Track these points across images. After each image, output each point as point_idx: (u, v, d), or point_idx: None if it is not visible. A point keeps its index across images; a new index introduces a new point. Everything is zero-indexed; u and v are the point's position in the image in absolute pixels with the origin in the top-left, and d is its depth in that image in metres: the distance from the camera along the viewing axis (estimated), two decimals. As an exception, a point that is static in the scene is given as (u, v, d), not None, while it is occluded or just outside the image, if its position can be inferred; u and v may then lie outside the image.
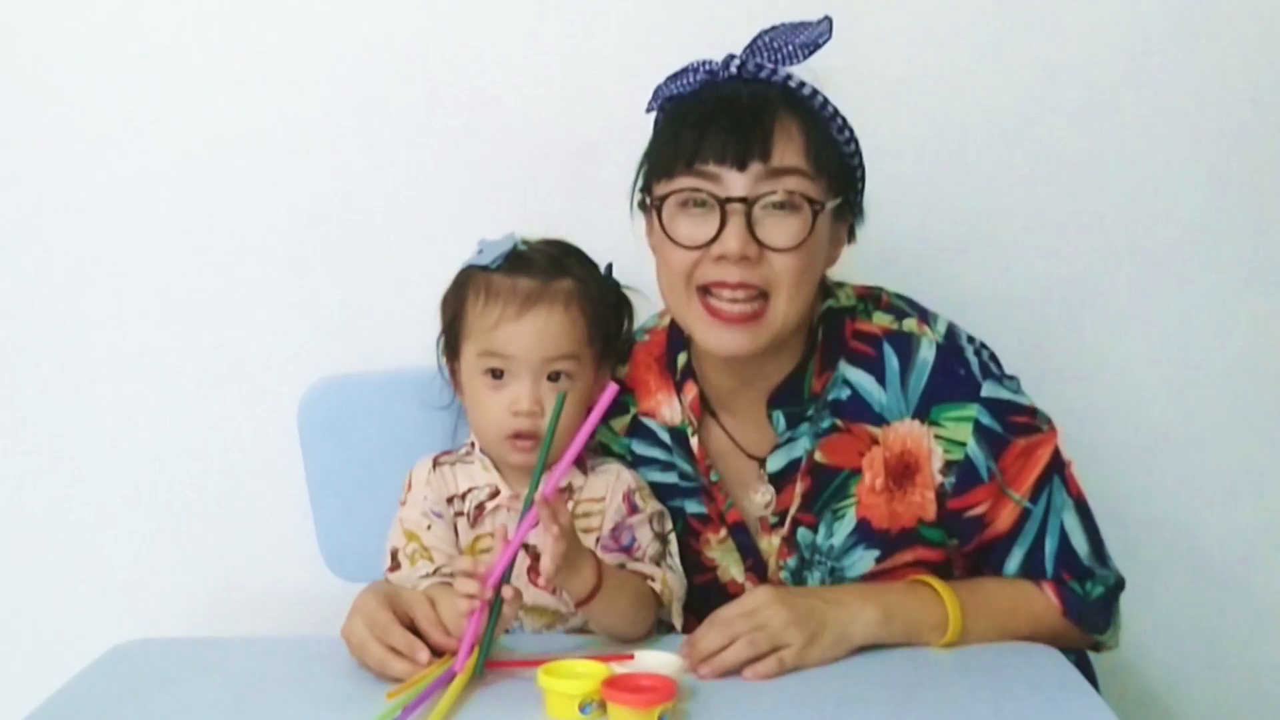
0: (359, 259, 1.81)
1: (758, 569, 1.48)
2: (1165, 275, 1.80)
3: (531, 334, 1.39)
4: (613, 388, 1.26)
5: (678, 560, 1.44)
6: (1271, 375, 1.82)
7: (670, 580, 1.41)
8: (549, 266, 1.42)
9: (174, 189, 1.80)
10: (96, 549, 1.87)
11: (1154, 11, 1.75)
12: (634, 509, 1.44)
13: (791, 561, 1.46)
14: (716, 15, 1.46)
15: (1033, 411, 1.42)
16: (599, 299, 1.44)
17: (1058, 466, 1.42)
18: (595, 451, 1.50)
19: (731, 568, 1.49)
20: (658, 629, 1.40)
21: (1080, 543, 1.42)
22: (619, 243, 1.52)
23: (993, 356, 1.44)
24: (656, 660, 1.24)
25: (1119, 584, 1.45)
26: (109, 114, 1.79)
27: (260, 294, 1.81)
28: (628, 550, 1.42)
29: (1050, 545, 1.41)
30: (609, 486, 1.44)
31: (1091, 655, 1.52)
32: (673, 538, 1.45)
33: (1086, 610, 1.41)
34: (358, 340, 1.77)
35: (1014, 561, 1.42)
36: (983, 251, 1.78)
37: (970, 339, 1.44)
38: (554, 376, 1.40)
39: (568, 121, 1.77)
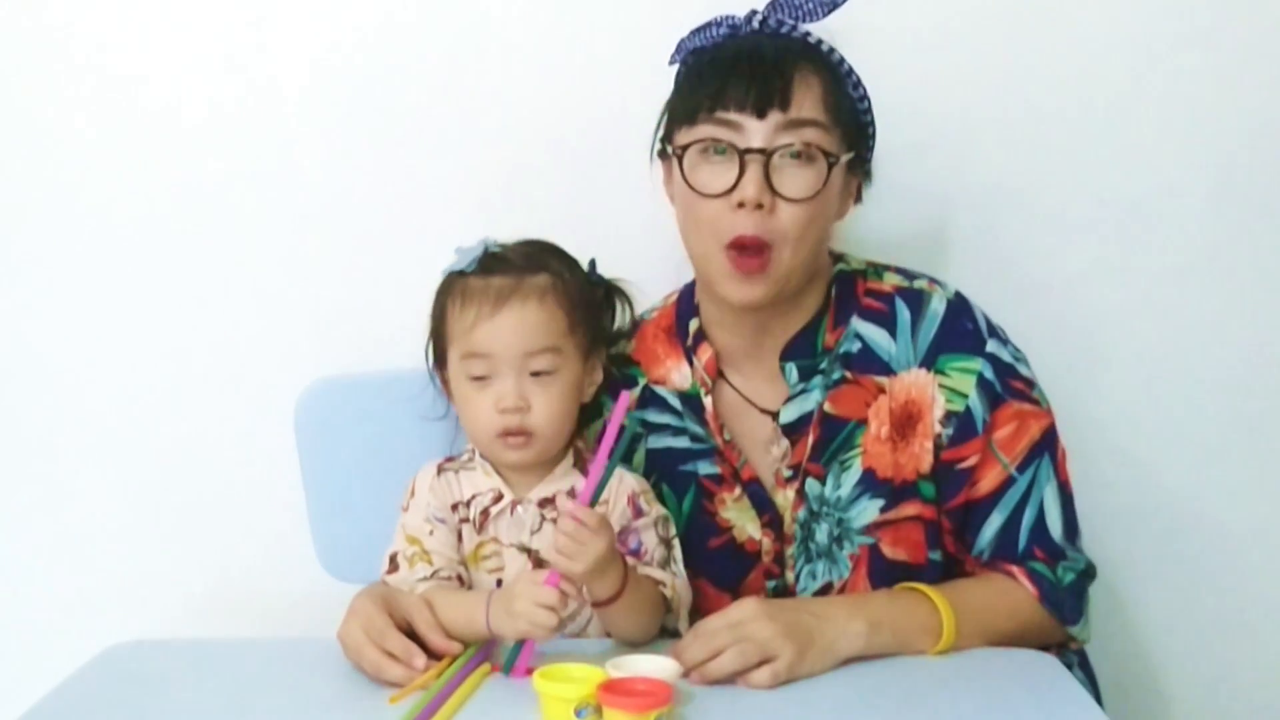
0: (357, 259, 1.80)
1: (774, 524, 1.49)
2: (1167, 277, 1.79)
3: (508, 330, 1.39)
4: (625, 396, 1.30)
5: (682, 566, 1.44)
6: (1273, 377, 1.82)
7: (678, 586, 1.41)
8: (523, 263, 1.43)
9: (171, 188, 1.80)
10: (91, 549, 1.86)
11: (1161, 14, 1.74)
12: (639, 512, 1.43)
13: (801, 514, 1.48)
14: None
15: (1031, 384, 1.47)
16: (578, 292, 1.44)
17: (1049, 446, 1.46)
18: (597, 438, 1.50)
19: (748, 525, 1.50)
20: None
21: (1055, 521, 1.45)
22: (620, 242, 1.53)
23: (1000, 328, 1.48)
24: (653, 665, 1.24)
25: (1090, 570, 1.47)
26: (107, 113, 1.79)
27: (257, 294, 1.81)
28: (635, 554, 1.41)
29: (1028, 518, 1.44)
30: (611, 490, 1.43)
31: (1092, 653, 1.53)
32: (676, 543, 1.46)
33: (1060, 596, 1.42)
34: (355, 341, 1.76)
35: (991, 529, 1.45)
36: (984, 251, 1.78)
37: (977, 306, 1.49)
38: (537, 372, 1.40)
39: (567, 122, 1.76)
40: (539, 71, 1.76)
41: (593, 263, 1.50)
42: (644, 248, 1.58)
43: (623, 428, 1.29)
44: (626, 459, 1.51)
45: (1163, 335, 1.81)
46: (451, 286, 1.44)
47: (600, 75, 1.75)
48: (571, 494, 1.43)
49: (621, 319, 1.53)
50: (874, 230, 1.56)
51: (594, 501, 1.30)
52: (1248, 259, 1.79)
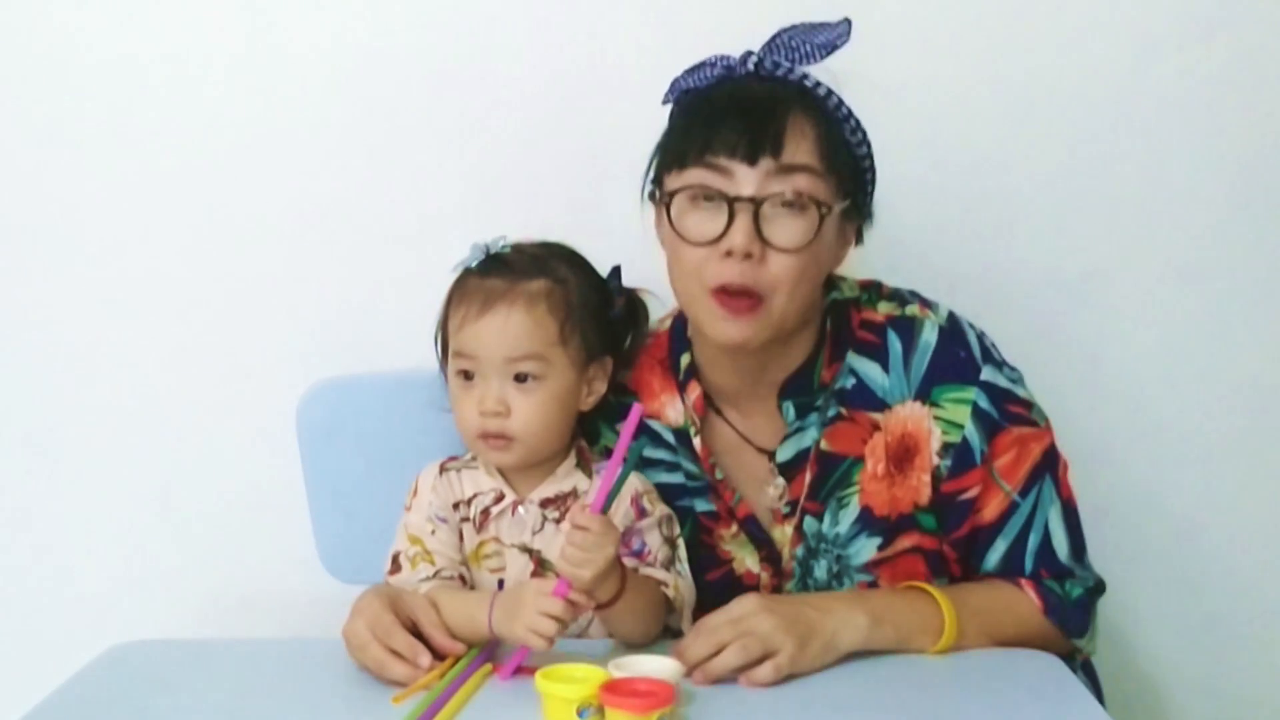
0: (359, 260, 1.80)
1: (772, 559, 1.49)
2: (1171, 277, 1.80)
3: (492, 333, 1.39)
4: (637, 408, 1.28)
5: (686, 566, 1.44)
6: (1275, 384, 1.82)
7: (681, 586, 1.40)
8: (527, 267, 1.42)
9: (173, 188, 1.80)
10: (94, 550, 1.86)
11: (1166, 11, 1.74)
12: (642, 513, 1.43)
13: (799, 551, 1.47)
14: (721, 20, 1.46)
15: (1029, 405, 1.45)
16: (580, 301, 1.43)
17: (1050, 465, 1.44)
18: (601, 454, 1.50)
19: (747, 559, 1.49)
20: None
21: (1061, 543, 1.44)
22: (622, 244, 1.52)
23: (994, 345, 1.47)
24: (655, 665, 1.24)
25: (1098, 587, 1.47)
26: (109, 113, 1.79)
27: (260, 295, 1.81)
28: (638, 555, 1.41)
29: (1033, 541, 1.43)
30: (610, 490, 1.44)
31: (1093, 660, 1.53)
32: (681, 542, 1.45)
33: (1067, 611, 1.42)
34: (357, 342, 1.77)
35: (996, 554, 1.44)
36: (989, 251, 1.78)
37: (971, 325, 1.46)
38: (521, 378, 1.40)
39: (570, 122, 1.77)
40: (542, 73, 1.76)
41: (616, 270, 1.49)
42: (646, 249, 1.57)
43: (634, 439, 1.28)
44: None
45: (1163, 342, 1.81)
46: (458, 282, 1.44)
47: (604, 78, 1.75)
48: (574, 495, 1.43)
49: (641, 330, 1.52)
50: (877, 232, 1.55)
51: (604, 510, 1.29)
52: (1249, 265, 1.80)
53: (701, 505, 1.50)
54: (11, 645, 1.87)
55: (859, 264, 1.57)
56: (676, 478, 1.50)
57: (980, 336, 1.46)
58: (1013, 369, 1.46)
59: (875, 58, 1.44)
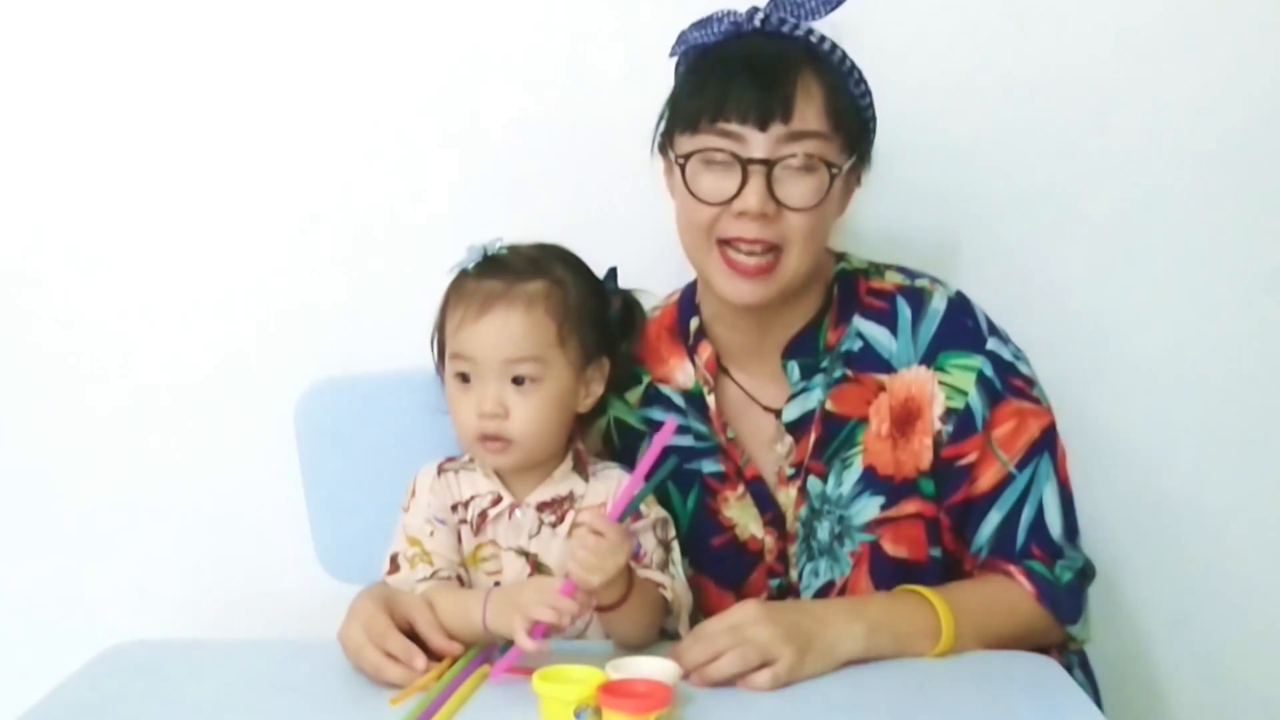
0: (358, 260, 1.80)
1: (776, 522, 1.50)
2: (1170, 277, 1.80)
3: (490, 335, 1.38)
4: (670, 424, 1.30)
5: (681, 569, 1.44)
6: (1275, 377, 1.82)
7: (678, 589, 1.40)
8: (524, 268, 1.42)
9: (172, 188, 1.80)
10: (92, 550, 1.86)
11: (1164, 11, 1.74)
12: (637, 515, 1.42)
13: (802, 512, 1.48)
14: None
15: (1031, 382, 1.48)
16: (578, 303, 1.43)
17: (1049, 444, 1.46)
18: (597, 456, 1.51)
19: (750, 524, 1.51)
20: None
21: (1054, 520, 1.45)
22: (621, 244, 1.52)
23: (1000, 327, 1.49)
24: (653, 666, 1.24)
25: (1088, 569, 1.48)
26: (108, 113, 1.79)
27: (258, 294, 1.81)
28: (634, 557, 1.40)
29: (1027, 516, 1.45)
30: (610, 492, 1.43)
31: (1091, 661, 1.54)
32: (675, 545, 1.45)
33: (1059, 595, 1.43)
34: (355, 341, 1.77)
35: (989, 526, 1.45)
36: (988, 251, 1.78)
37: (977, 305, 1.49)
38: (519, 380, 1.39)
39: (569, 123, 1.77)
40: (541, 70, 1.76)
41: (612, 272, 1.49)
42: (645, 248, 1.58)
43: (664, 455, 1.29)
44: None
45: (1165, 335, 1.81)
46: (454, 284, 1.44)
47: (602, 74, 1.75)
48: (570, 499, 1.43)
49: (638, 331, 1.52)
50: (879, 230, 1.55)
51: (621, 518, 1.29)
52: (1251, 259, 1.80)
53: (709, 467, 1.51)
54: (11, 645, 1.87)
55: (868, 254, 1.57)
56: (685, 440, 1.52)
57: (987, 315, 1.49)
58: (1017, 347, 1.49)
59: (863, 61, 1.45)
